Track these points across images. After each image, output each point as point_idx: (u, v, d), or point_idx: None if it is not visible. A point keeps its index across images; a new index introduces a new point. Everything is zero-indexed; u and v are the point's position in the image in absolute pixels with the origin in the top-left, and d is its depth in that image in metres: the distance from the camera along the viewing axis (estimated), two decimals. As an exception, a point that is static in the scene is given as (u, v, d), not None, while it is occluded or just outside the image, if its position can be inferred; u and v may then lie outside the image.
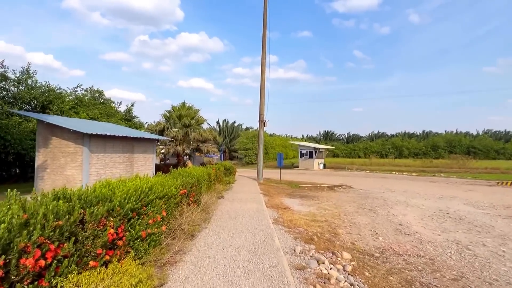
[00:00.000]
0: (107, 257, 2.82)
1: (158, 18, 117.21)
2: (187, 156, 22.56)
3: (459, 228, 7.33)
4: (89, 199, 2.84)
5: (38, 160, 11.96)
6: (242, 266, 4.02)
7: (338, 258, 4.71)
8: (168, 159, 26.14)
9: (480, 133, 70.59)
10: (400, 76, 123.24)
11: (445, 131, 68.93)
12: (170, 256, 4.19)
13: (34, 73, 19.67)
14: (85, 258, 2.53)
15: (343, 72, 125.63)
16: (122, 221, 3.09)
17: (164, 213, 3.59)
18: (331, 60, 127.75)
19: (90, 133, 10.92)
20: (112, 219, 2.87)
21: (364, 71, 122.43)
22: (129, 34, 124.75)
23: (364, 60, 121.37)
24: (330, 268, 4.25)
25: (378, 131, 78.94)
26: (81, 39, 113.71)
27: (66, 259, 2.27)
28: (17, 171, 18.74)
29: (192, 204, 6.16)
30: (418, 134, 74.95)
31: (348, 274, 4.14)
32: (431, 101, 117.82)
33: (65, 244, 2.25)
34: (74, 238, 2.41)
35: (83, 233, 2.54)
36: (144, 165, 14.74)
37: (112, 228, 2.87)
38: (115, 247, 3.05)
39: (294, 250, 4.94)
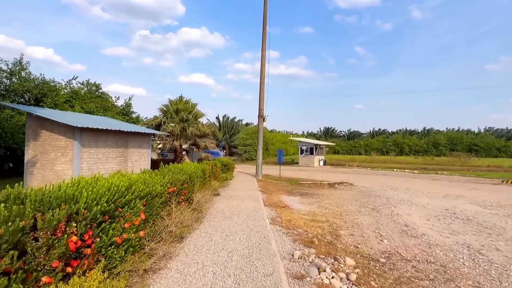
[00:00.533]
0: (69, 270, 2.37)
1: (159, 12, 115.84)
2: (185, 152, 22.10)
3: (468, 229, 6.88)
4: (47, 200, 2.38)
5: (28, 155, 11.51)
6: (233, 274, 3.58)
7: (340, 265, 4.27)
8: (167, 154, 25.71)
9: (482, 131, 69.95)
10: (401, 73, 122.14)
11: (447, 128, 68.33)
12: (153, 262, 3.75)
13: (27, 65, 19.10)
14: (35, 273, 2.07)
15: (344, 68, 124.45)
16: (90, 226, 2.63)
17: (143, 216, 3.14)
18: (332, 57, 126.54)
19: (81, 126, 10.44)
20: (74, 224, 2.41)
21: (365, 67, 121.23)
22: (129, 29, 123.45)
23: (366, 57, 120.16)
24: (332, 277, 3.81)
25: (379, 128, 78.31)
26: (81, 33, 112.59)
27: (5, 278, 1.81)
28: (10, 165, 18.31)
29: (182, 203, 5.71)
30: (419, 131, 74.33)
31: (353, 284, 3.70)
32: (432, 98, 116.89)
33: (2, 259, 1.79)
34: (20, 249, 1.95)
35: (34, 243, 2.09)
36: (139, 160, 14.30)
37: (76, 235, 2.41)
38: (82, 256, 2.60)
39: (292, 255, 4.50)
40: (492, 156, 48.87)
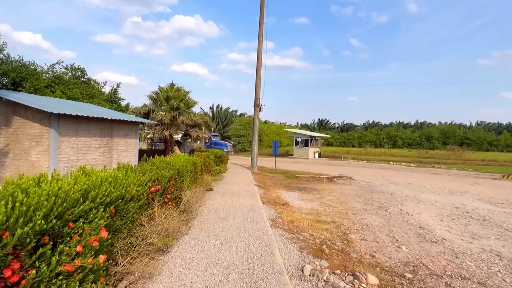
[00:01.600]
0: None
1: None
2: (176, 142, 21.02)
3: (489, 232, 6.22)
4: None
5: (-1, 143, 10.35)
6: (231, 304, 2.74)
7: (362, 285, 3.48)
8: (158, 144, 24.56)
9: (474, 125, 70.44)
10: (395, 66, 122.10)
11: (439, 122, 68.52)
12: (126, 286, 2.88)
13: (4, 46, 17.50)
14: None
15: (339, 60, 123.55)
16: (15, 255, 1.72)
17: (103, 233, 2.24)
18: (327, 48, 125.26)
19: (57, 112, 9.32)
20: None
21: (360, 60, 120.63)
22: (121, 15, 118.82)
23: (361, 49, 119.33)
24: (356, 304, 3.02)
25: (372, 121, 78.11)
26: (71, 19, 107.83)
27: None
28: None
29: (169, 202, 4.82)
30: (412, 124, 74.44)
31: (383, 314, 2.92)
32: (425, 92, 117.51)
33: None
34: None
35: None
36: (125, 151, 13.24)
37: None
38: (5, 300, 1.69)
39: (302, 271, 3.68)
40: (483, 149, 49.15)
